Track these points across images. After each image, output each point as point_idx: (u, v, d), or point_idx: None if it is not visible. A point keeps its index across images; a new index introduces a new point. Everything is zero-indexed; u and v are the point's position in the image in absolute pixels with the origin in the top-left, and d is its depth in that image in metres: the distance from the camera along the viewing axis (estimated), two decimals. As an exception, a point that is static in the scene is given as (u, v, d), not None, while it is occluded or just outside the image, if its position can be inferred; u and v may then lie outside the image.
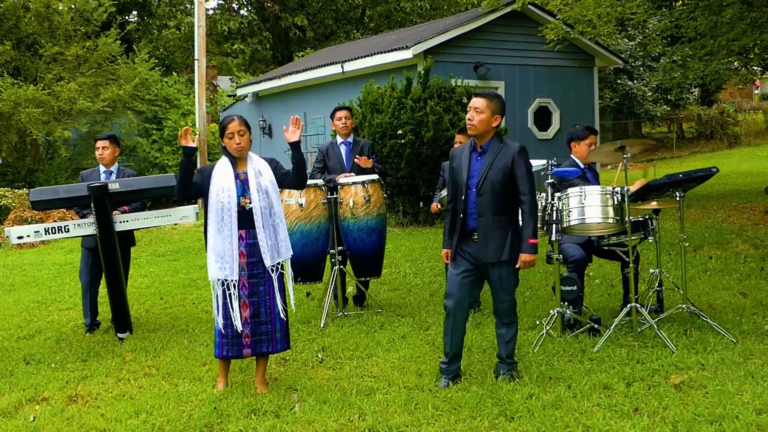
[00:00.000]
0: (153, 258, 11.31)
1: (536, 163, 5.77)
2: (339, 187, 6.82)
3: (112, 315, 6.58)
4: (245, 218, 4.78)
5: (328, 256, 6.96)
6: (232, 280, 4.76)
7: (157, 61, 24.26)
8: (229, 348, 4.82)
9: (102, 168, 6.92)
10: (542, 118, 16.34)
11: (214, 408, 4.58)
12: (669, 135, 32.16)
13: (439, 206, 6.91)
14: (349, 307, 7.24)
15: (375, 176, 6.85)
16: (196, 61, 19.55)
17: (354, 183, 6.77)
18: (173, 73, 25.69)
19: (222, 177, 4.82)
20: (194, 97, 20.52)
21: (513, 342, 4.91)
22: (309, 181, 6.75)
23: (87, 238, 6.70)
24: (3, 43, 19.32)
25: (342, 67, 15.94)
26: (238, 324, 4.75)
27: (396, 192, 13.13)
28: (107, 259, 6.35)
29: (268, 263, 4.80)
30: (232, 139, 4.81)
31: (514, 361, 4.94)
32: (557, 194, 5.65)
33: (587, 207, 5.53)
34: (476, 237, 4.74)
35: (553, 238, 5.63)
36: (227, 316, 4.77)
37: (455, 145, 6.76)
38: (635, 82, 28.23)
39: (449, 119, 12.74)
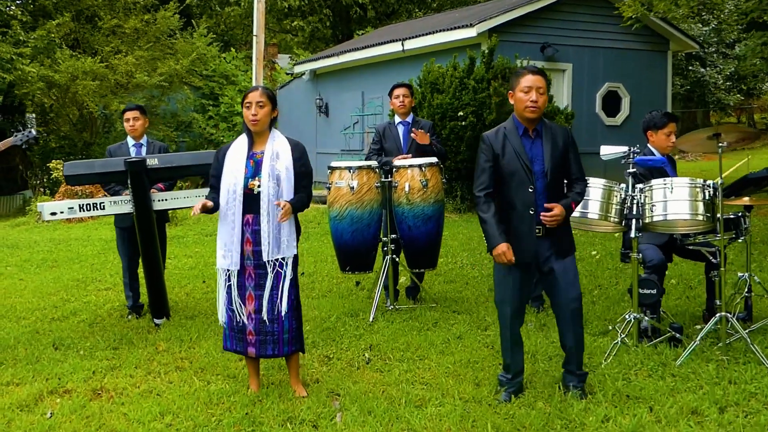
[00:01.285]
0: (200, 237, 10.93)
1: (615, 150, 5.16)
2: (394, 170, 6.28)
3: (149, 299, 6.17)
4: (254, 202, 4.28)
5: (380, 245, 6.44)
6: (230, 272, 4.34)
7: (215, 36, 23.94)
8: (235, 342, 4.42)
9: (131, 141, 6.49)
10: (611, 104, 15.49)
11: (246, 413, 4.10)
12: (738, 126, 30.84)
13: None
14: (401, 299, 6.71)
15: (433, 159, 6.28)
16: (254, 37, 19.10)
17: (411, 166, 6.21)
18: (231, 48, 25.36)
19: (233, 157, 4.37)
20: (252, 74, 20.17)
21: (583, 348, 4.33)
22: (363, 163, 6.25)
23: (120, 217, 6.29)
24: (63, 15, 19.18)
25: (402, 45, 15.33)
26: (223, 315, 4.43)
27: (454, 176, 12.51)
28: (144, 240, 5.93)
29: (265, 256, 4.28)
30: (249, 109, 4.29)
31: (585, 372, 4.35)
32: (639, 186, 5.01)
33: (673, 201, 4.86)
34: (539, 230, 4.15)
35: (632, 235, 4.99)
36: (228, 308, 4.38)
37: None
38: (708, 69, 26.97)
39: (513, 101, 12.04)
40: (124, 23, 19.76)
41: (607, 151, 5.15)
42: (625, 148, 5.10)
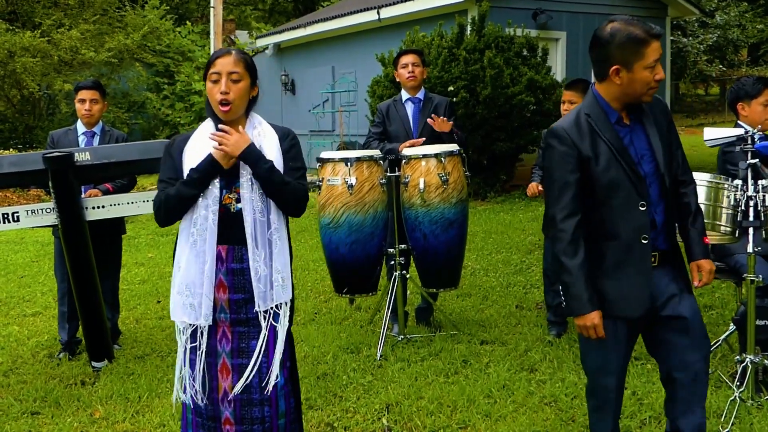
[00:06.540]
0: (154, 238, 9.32)
1: (725, 134, 3.77)
2: (403, 161, 4.83)
3: (85, 337, 4.68)
4: (230, 226, 2.79)
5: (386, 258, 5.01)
6: (200, 328, 2.80)
7: (169, 9, 22.14)
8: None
9: (81, 127, 4.97)
10: (607, 77, 14.15)
11: None
12: (706, 98, 30.19)
13: (540, 189, 4.89)
14: (411, 324, 5.30)
15: (454, 147, 4.84)
16: (211, 9, 17.62)
17: (425, 156, 4.75)
18: (187, 22, 23.58)
19: (197, 155, 2.82)
20: (209, 49, 18.57)
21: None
22: (363, 153, 4.78)
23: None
24: (-3, -15, 17.39)
25: (378, 13, 13.80)
26: (197, 397, 2.81)
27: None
28: (74, 261, 4.43)
29: (260, 305, 2.80)
30: (217, 84, 2.76)
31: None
32: (762, 182, 3.62)
33: (816, 204, 3.50)
34: (653, 257, 2.75)
35: (750, 250, 3.62)
36: (196, 381, 2.82)
37: (563, 107, 4.76)
38: (690, 39, 25.82)
39: (509, 74, 10.66)
40: (67, -6, 17.99)
41: (713, 135, 3.74)
42: (738, 131, 3.70)
